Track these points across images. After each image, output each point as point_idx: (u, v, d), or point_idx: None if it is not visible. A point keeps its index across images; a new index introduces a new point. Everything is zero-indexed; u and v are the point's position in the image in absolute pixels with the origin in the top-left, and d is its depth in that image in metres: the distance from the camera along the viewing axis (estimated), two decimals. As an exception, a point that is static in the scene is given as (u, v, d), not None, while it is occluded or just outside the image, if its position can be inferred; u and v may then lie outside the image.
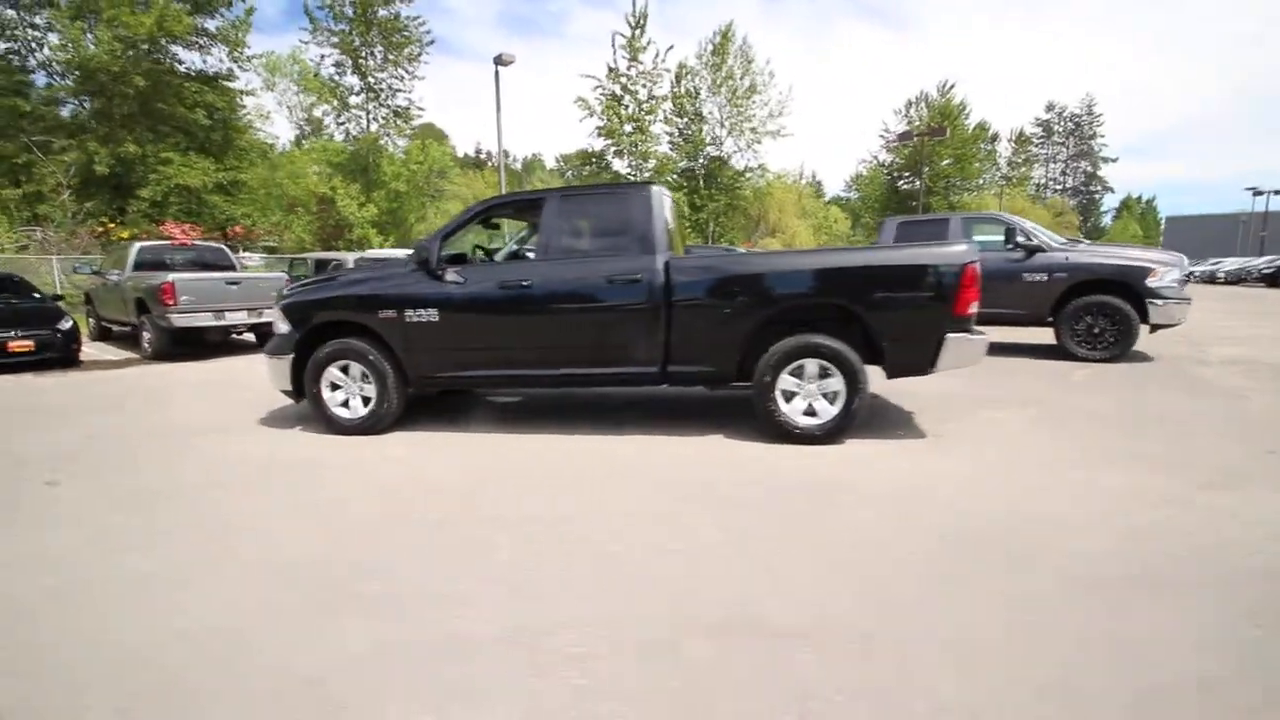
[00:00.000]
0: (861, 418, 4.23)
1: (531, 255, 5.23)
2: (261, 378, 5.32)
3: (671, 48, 28.86)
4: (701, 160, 32.15)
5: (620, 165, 29.18)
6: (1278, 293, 23.42)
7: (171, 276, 8.48)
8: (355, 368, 4.71)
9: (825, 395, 4.21)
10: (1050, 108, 71.16)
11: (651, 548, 2.78)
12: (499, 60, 18.05)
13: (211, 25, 21.93)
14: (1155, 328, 7.13)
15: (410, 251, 5.85)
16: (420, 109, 27.79)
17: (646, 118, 28.82)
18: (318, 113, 29.59)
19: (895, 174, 43.72)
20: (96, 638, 2.20)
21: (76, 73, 20.22)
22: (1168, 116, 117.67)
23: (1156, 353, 7.60)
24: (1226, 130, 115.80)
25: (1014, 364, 7.01)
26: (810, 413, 4.23)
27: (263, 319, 9.07)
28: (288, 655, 2.07)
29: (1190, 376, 6.34)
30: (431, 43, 26.57)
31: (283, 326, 4.88)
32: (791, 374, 4.21)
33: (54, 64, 21.23)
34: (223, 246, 11.45)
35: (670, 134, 31.67)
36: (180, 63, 21.70)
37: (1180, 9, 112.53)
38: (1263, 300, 18.69)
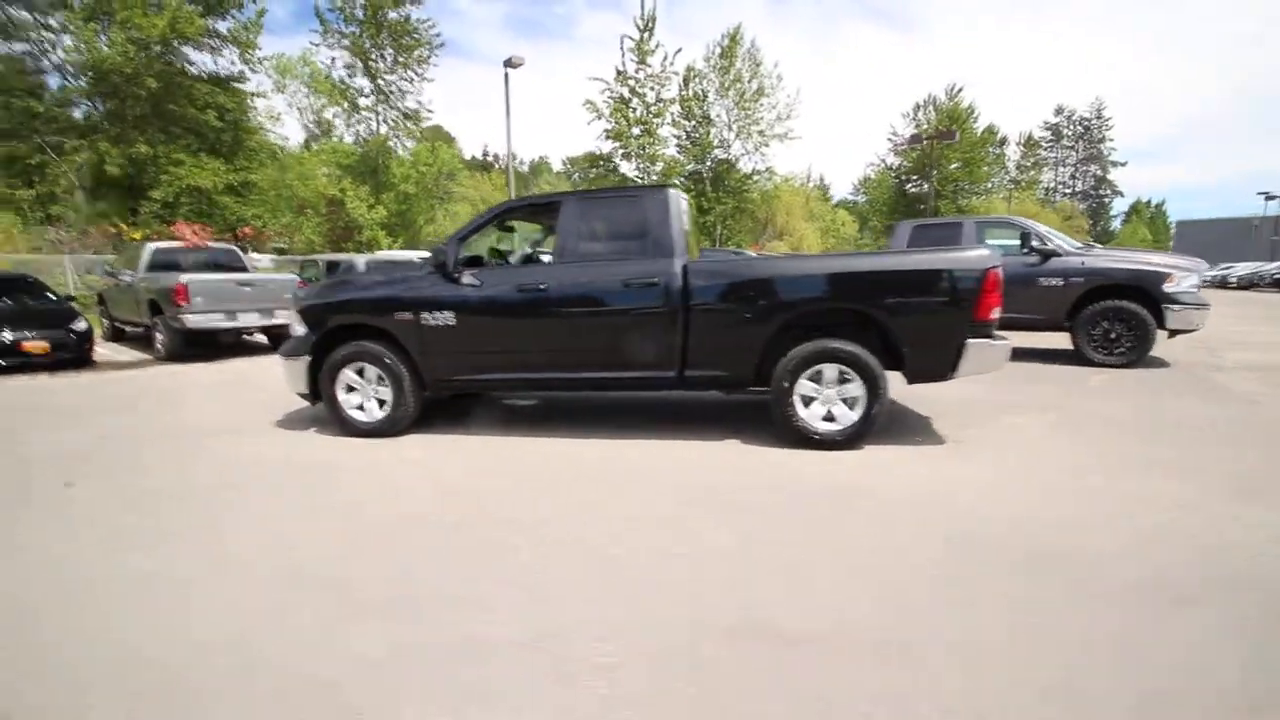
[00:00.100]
0: (880, 423, 4.19)
1: (546, 258, 5.22)
2: (275, 379, 5.33)
3: (680, 50, 28.93)
4: (709, 163, 32.07)
5: (628, 168, 29.22)
6: (1291, 298, 23.20)
7: (185, 277, 8.52)
8: (371, 370, 4.70)
9: (844, 400, 4.16)
10: (1059, 111, 70.80)
11: (666, 553, 2.76)
12: (509, 63, 18.07)
13: (223, 27, 22.22)
14: (1173, 333, 7.07)
15: (420, 253, 5.84)
16: (430, 111, 28.01)
17: (654, 120, 28.82)
18: (328, 114, 29.85)
19: (903, 177, 43.53)
20: (100, 637, 2.19)
21: (90, 74, 20.44)
22: (1168, 117, 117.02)
23: (1172, 358, 7.54)
24: (1227, 131, 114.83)
25: (1031, 369, 6.96)
26: (829, 418, 4.19)
27: (274, 321, 9.11)
28: (302, 658, 2.05)
29: (1206, 382, 6.29)
30: (441, 45, 26.82)
31: (299, 329, 4.89)
32: (810, 379, 4.17)
33: (68, 66, 21.46)
34: (235, 248, 11.49)
35: (678, 137, 31.67)
36: (192, 64, 21.92)
37: (1180, 9, 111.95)
38: (1275, 305, 18.49)
